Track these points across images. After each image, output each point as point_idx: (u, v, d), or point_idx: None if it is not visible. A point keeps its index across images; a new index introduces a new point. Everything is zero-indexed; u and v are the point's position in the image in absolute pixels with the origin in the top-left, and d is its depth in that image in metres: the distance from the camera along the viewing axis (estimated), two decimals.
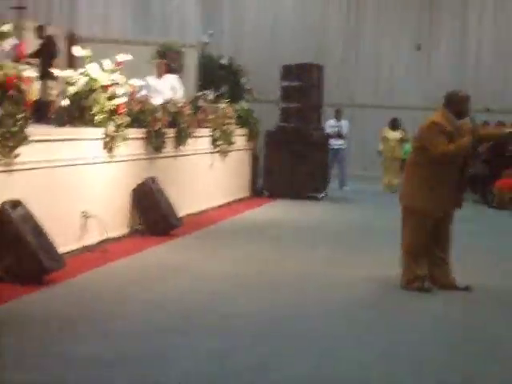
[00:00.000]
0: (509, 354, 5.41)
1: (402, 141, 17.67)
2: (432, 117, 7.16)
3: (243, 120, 14.49)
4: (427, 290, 7.07)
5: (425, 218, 7.05)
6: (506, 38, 21.79)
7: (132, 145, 9.25)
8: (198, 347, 5.06)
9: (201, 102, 12.45)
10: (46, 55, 12.25)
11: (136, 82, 9.37)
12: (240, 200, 14.11)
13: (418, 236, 7.09)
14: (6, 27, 6.89)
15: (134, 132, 9.36)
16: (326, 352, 5.16)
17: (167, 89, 12.41)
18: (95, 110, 8.30)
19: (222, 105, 13.17)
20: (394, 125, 17.72)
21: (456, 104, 7.05)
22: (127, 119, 8.84)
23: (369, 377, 4.71)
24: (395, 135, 17.58)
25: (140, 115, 9.59)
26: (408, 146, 19.21)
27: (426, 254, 7.16)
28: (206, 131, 12.32)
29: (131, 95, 9.31)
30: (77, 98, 8.33)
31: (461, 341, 5.67)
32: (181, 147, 10.94)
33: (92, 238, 8.25)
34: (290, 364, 4.84)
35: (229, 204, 13.33)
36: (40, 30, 13.07)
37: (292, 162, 14.94)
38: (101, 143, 8.49)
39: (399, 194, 7.50)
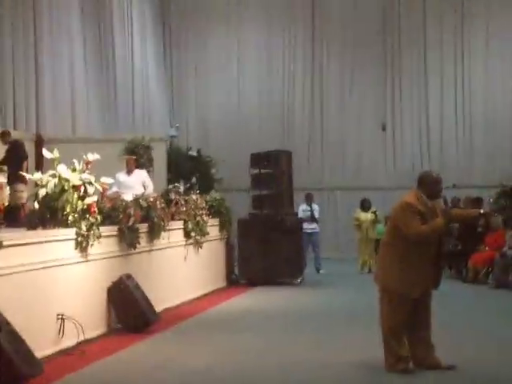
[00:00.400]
0: None
1: (374, 221, 17.78)
2: (405, 197, 7.22)
3: (215, 210, 14.51)
4: (412, 371, 6.99)
5: (402, 298, 7.03)
6: (469, 112, 22.26)
7: (105, 243, 9.19)
8: None
9: (172, 195, 12.47)
10: (13, 159, 12.22)
11: (106, 179, 9.37)
12: (217, 290, 13.99)
13: (396, 317, 7.05)
14: None
15: (107, 230, 9.32)
16: None
17: (138, 184, 12.47)
18: (67, 210, 8.27)
19: (194, 196, 13.20)
20: (365, 205, 17.85)
21: (428, 185, 7.13)
22: (99, 217, 8.81)
23: None
24: (367, 216, 17.69)
25: (112, 212, 9.58)
26: (381, 226, 19.38)
27: (407, 334, 7.11)
28: (178, 223, 12.30)
29: (102, 193, 9.31)
30: (47, 200, 8.30)
31: None
32: (154, 241, 10.90)
33: (69, 341, 8.10)
34: None
35: (206, 295, 13.20)
36: (5, 135, 13.03)
37: (267, 248, 14.91)
38: (73, 243, 8.43)
39: (374, 274, 7.50)
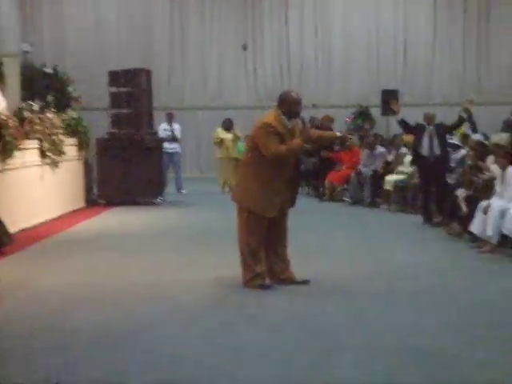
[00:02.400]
0: (352, 343, 5.54)
1: (235, 140, 17.82)
2: (264, 117, 7.22)
3: (72, 129, 14.09)
4: (268, 287, 7.15)
5: (259, 216, 7.11)
6: (328, 34, 22.48)
7: None
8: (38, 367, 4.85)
9: (26, 113, 11.97)
10: None
11: None
12: (75, 211, 13.72)
13: (253, 234, 7.15)
14: None
15: None
16: (177, 357, 5.10)
17: None
18: None
19: (49, 115, 12.74)
20: (227, 125, 17.82)
21: (288, 105, 7.13)
22: None
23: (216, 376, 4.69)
24: (228, 136, 17.69)
25: None
26: (241, 145, 19.49)
27: (263, 251, 7.23)
28: (33, 143, 11.87)
29: None
30: None
31: (305, 334, 5.76)
32: (7, 161, 10.48)
33: None
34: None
35: (64, 216, 12.93)
36: None
37: (126, 168, 14.71)
38: None
39: (232, 193, 7.54)
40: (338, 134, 8.20)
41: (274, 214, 7.15)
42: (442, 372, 4.85)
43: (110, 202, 14.69)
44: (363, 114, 21.20)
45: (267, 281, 7.23)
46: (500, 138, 10.74)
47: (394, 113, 12.38)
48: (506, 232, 9.01)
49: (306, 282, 7.33)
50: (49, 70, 16.79)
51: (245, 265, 7.23)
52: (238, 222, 7.29)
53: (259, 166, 7.10)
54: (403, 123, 12.25)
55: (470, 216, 9.71)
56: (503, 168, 9.50)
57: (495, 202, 9.29)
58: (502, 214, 9.03)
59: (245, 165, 7.37)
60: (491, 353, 5.27)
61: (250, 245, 7.17)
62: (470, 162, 11.25)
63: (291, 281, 7.33)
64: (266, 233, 7.21)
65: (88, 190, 14.96)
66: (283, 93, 7.34)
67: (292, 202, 7.35)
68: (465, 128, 14.62)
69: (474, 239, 9.69)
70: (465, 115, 12.25)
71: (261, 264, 7.21)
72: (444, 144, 11.97)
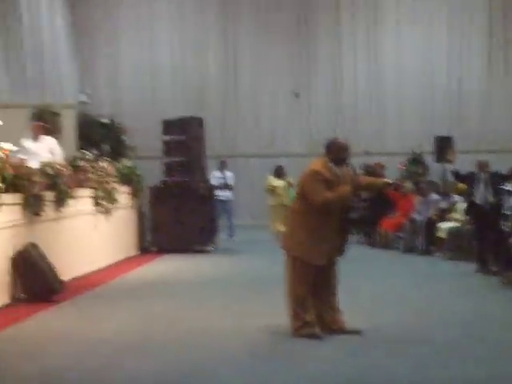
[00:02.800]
0: None
1: (288, 188, 17.83)
2: (312, 165, 7.20)
3: (126, 177, 14.31)
4: (318, 336, 7.04)
5: (308, 265, 7.06)
6: (381, 80, 22.52)
7: (8, 211, 8.91)
8: None
9: (81, 162, 12.19)
10: None
11: (8, 145, 9.06)
12: (128, 258, 13.85)
13: (302, 282, 7.08)
14: None
15: (10, 198, 9.04)
16: None
17: (45, 151, 12.10)
18: None
19: (103, 163, 12.95)
20: (279, 172, 17.85)
21: (335, 152, 7.12)
22: (2, 185, 8.54)
23: None
24: (281, 183, 17.71)
25: (16, 179, 9.27)
26: (294, 192, 19.44)
27: (312, 300, 7.16)
28: (87, 191, 12.06)
29: (5, 159, 9.00)
30: None
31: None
32: (61, 209, 10.65)
33: None
34: None
35: (117, 264, 13.05)
36: None
37: (179, 216, 14.82)
38: None
39: (281, 241, 7.49)
40: (390, 181, 8.14)
41: (322, 263, 7.08)
42: None
43: (163, 250, 14.77)
44: (416, 161, 21.04)
45: (317, 330, 7.13)
46: None
47: (449, 161, 12.30)
48: None
49: (357, 332, 7.20)
50: (105, 120, 17.12)
51: (293, 313, 7.15)
52: (286, 270, 7.25)
53: (307, 214, 7.06)
54: (455, 173, 12.18)
55: None
56: None
57: None
58: None
59: (293, 212, 7.34)
60: None
61: (298, 293, 7.10)
62: None
63: (342, 330, 7.21)
64: (314, 281, 7.14)
65: (141, 237, 15.09)
66: (330, 140, 7.31)
67: (341, 251, 7.27)
68: None
69: None
70: None
71: (310, 312, 7.13)
72: (498, 191, 11.79)
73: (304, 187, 7.13)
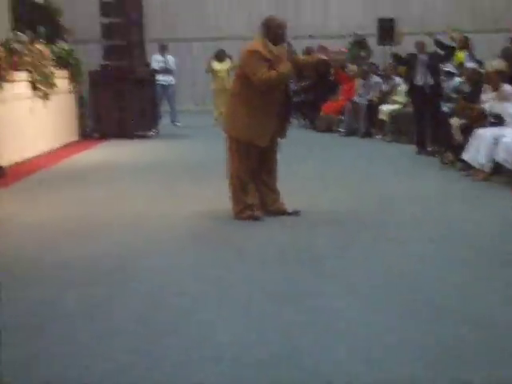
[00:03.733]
0: (333, 270, 5.54)
1: (230, 71, 17.64)
2: (250, 44, 7.07)
3: (64, 61, 13.91)
4: (258, 218, 7.11)
5: (249, 147, 7.03)
6: None
7: None
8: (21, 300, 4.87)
9: (15, 44, 11.78)
10: None
11: None
12: (69, 144, 13.66)
13: (243, 165, 7.08)
14: None
15: None
16: (162, 286, 5.11)
17: None
18: None
19: (39, 46, 12.53)
20: (221, 56, 17.57)
21: (272, 30, 6.97)
22: None
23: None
24: (222, 66, 17.47)
25: None
26: None
27: (254, 183, 7.18)
28: (23, 75, 11.71)
29: None
30: None
31: (291, 261, 5.76)
32: None
33: None
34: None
35: (57, 149, 12.87)
36: None
37: (119, 100, 14.56)
38: None
39: (223, 124, 7.42)
40: (323, 57, 8.02)
41: (264, 144, 7.06)
42: (413, 293, 4.86)
43: (104, 135, 14.59)
44: (359, 43, 20.87)
45: (257, 212, 7.18)
46: (494, 64, 10.60)
47: (397, 43, 12.22)
48: (498, 160, 8.95)
49: (296, 213, 7.29)
50: (39, 1, 16.44)
51: (235, 197, 7.18)
52: (228, 153, 7.22)
53: (248, 95, 6.97)
54: (396, 57, 12.15)
55: (464, 144, 9.64)
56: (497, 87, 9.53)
57: (488, 131, 9.22)
58: (495, 141, 8.96)
59: (234, 95, 7.23)
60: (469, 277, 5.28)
61: (241, 176, 7.10)
62: (465, 91, 11.13)
63: (282, 212, 7.29)
64: (255, 163, 7.14)
65: (81, 123, 14.85)
66: (266, 18, 7.10)
67: (283, 132, 7.25)
68: (462, 56, 14.40)
69: (468, 167, 9.63)
70: (453, 43, 12.02)
71: (250, 195, 7.16)
72: (437, 73, 11.83)
73: (244, 67, 7.01)
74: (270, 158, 7.28)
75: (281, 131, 7.22)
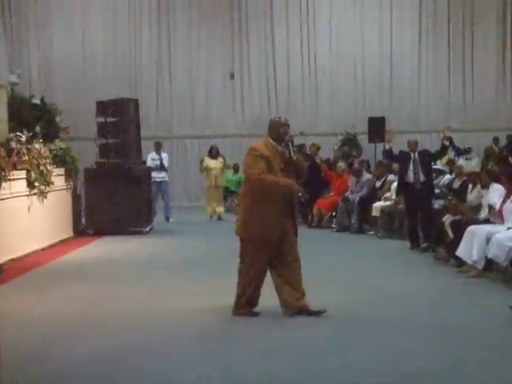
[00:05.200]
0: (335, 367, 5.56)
1: (224, 167, 17.96)
2: (252, 144, 7.29)
3: (60, 159, 14.13)
4: (254, 315, 7.17)
5: (258, 246, 7.06)
6: (314, 63, 22.69)
7: None
8: None
9: (13, 144, 11.98)
10: None
11: None
12: (63, 241, 13.72)
13: (257, 265, 7.13)
14: None
15: None
16: None
17: None
18: None
19: (37, 145, 12.76)
20: (213, 153, 17.88)
21: (274, 129, 7.19)
22: None
23: None
24: (216, 163, 17.77)
25: None
26: (230, 174, 19.60)
27: (275, 280, 7.23)
28: (21, 173, 11.89)
29: None
30: None
31: (291, 358, 5.78)
32: None
33: None
34: None
35: (52, 246, 12.93)
36: None
37: (114, 198, 14.70)
38: None
39: (235, 226, 7.37)
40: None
41: (275, 239, 7.03)
42: None
43: (99, 232, 14.68)
44: (350, 142, 21.33)
45: (252, 310, 7.24)
46: (471, 166, 11.19)
47: (384, 141, 12.51)
48: (490, 257, 9.07)
49: (321, 312, 7.19)
50: (37, 101, 16.79)
51: (241, 292, 7.23)
52: (241, 254, 7.25)
53: (252, 195, 7.09)
54: (388, 153, 12.43)
55: (457, 241, 9.78)
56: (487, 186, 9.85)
57: (480, 228, 9.38)
58: (487, 238, 9.10)
59: (241, 196, 7.40)
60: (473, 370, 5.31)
61: (254, 275, 7.16)
62: (454, 188, 11.40)
63: (306, 310, 7.19)
64: (269, 262, 7.17)
65: (76, 220, 14.95)
66: (270, 119, 7.42)
67: (295, 230, 7.25)
68: (449, 153, 14.79)
69: (461, 264, 9.75)
70: (447, 143, 12.33)
71: (257, 294, 7.25)
72: (429, 171, 12.10)
73: (244, 166, 7.22)
74: (285, 253, 7.17)
75: (291, 227, 7.23)
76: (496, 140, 19.55)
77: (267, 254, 7.14)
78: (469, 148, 18.72)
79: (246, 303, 7.24)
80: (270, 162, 7.03)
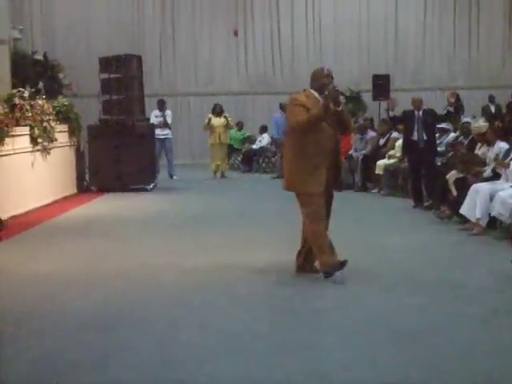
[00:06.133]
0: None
1: (227, 126, 17.90)
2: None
3: (63, 116, 14.09)
4: (344, 263, 6.95)
5: (319, 196, 6.88)
6: (319, 21, 22.48)
7: None
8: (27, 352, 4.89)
9: (16, 100, 11.95)
10: None
11: None
12: (67, 197, 13.75)
13: (317, 214, 6.93)
14: None
15: None
16: (163, 339, 5.15)
17: None
18: None
19: (40, 101, 12.71)
20: (216, 110, 17.83)
21: (316, 80, 7.10)
22: None
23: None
24: (220, 121, 17.72)
25: None
26: (233, 131, 19.54)
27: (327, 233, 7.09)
28: (24, 129, 11.87)
29: None
30: None
31: (291, 316, 5.81)
32: None
33: None
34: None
35: (55, 202, 12.96)
36: None
37: (118, 154, 14.70)
38: None
39: (285, 182, 7.18)
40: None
41: (319, 190, 6.86)
42: (421, 349, 4.92)
43: (102, 189, 14.70)
44: (355, 99, 21.20)
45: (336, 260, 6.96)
46: (479, 127, 11.06)
47: (388, 105, 12.39)
48: (494, 214, 9.07)
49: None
50: (39, 57, 16.71)
51: (317, 247, 7.00)
52: (301, 209, 7.04)
53: (296, 145, 6.92)
54: (394, 119, 12.37)
55: (460, 199, 9.77)
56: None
57: (484, 185, 9.37)
58: (491, 196, 9.09)
59: (286, 148, 7.24)
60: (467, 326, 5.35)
61: (318, 227, 6.95)
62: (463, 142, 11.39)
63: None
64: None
65: (80, 176, 14.96)
66: (313, 70, 7.27)
67: (338, 183, 7.17)
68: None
69: (464, 222, 9.75)
70: (451, 109, 12.16)
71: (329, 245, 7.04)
72: (431, 132, 12.03)
73: (286, 116, 7.15)
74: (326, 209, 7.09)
75: (334, 182, 7.12)
76: (492, 98, 19.47)
77: (321, 204, 6.91)
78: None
79: (330, 251, 6.99)
80: (310, 110, 6.85)
